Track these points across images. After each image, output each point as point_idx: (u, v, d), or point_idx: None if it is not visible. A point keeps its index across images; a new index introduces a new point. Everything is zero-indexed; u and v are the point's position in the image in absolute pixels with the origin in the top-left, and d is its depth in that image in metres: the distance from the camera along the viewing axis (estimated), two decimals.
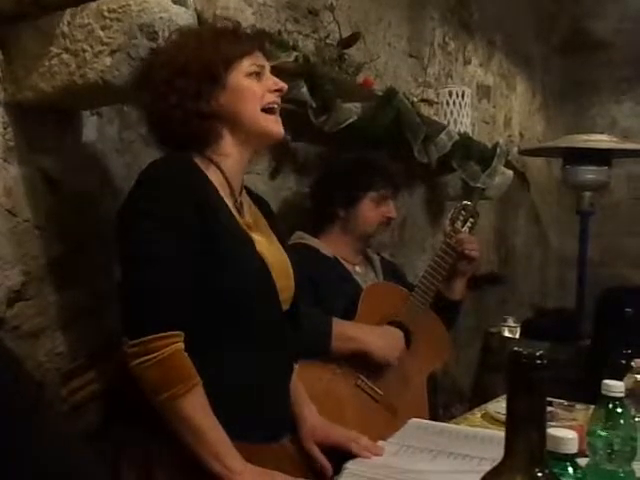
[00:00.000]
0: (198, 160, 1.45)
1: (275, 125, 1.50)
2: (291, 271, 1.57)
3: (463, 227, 2.23)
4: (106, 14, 1.39)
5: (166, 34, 1.40)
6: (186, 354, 1.31)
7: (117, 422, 1.47)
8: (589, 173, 3.78)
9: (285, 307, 1.53)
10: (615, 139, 3.87)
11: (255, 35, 1.54)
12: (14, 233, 1.56)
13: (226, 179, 1.47)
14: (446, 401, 3.51)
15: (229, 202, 1.46)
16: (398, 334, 2.03)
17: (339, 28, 2.49)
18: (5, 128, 1.54)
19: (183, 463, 1.32)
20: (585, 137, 3.80)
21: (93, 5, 1.41)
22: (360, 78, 2.52)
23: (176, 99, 1.40)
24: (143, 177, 1.40)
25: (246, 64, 1.46)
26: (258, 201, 1.65)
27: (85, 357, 1.71)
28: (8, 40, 1.52)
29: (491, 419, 1.87)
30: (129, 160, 1.84)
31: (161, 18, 1.39)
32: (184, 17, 1.45)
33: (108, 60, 1.39)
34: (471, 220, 2.25)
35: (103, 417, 1.60)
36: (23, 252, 1.59)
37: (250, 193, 1.63)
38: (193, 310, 1.35)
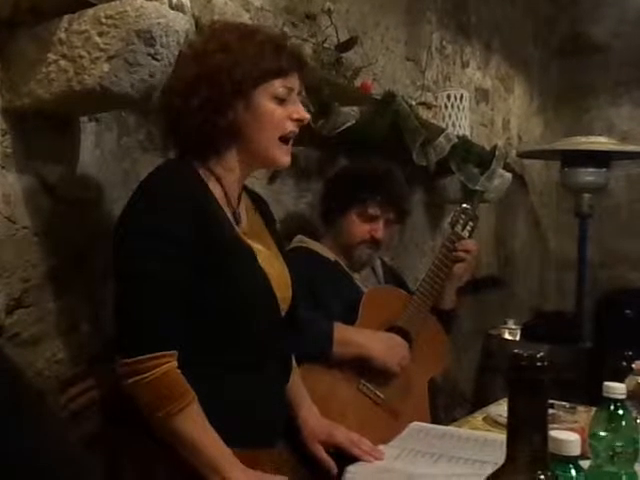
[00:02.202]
0: (199, 168, 1.44)
1: (285, 156, 1.47)
2: (289, 280, 1.56)
3: (463, 231, 2.22)
4: (103, 20, 1.39)
5: (163, 40, 1.40)
6: (179, 372, 1.31)
7: (118, 423, 1.47)
8: (588, 175, 3.78)
9: (282, 314, 1.53)
10: (613, 141, 3.87)
11: (297, 56, 1.48)
12: (13, 240, 1.56)
13: (225, 192, 1.47)
14: (447, 404, 3.51)
15: (227, 212, 1.45)
16: (401, 341, 2.03)
17: (337, 32, 2.49)
18: (3, 135, 1.54)
19: (184, 464, 1.33)
20: (583, 139, 3.80)
21: (90, 11, 1.41)
22: (358, 82, 2.52)
23: (197, 102, 1.38)
24: (141, 189, 1.40)
25: (276, 85, 1.43)
26: (257, 201, 1.64)
27: (84, 364, 1.71)
28: (5, 47, 1.51)
29: (492, 422, 1.87)
30: (127, 166, 1.84)
31: (159, 24, 1.38)
32: (181, 23, 1.45)
33: (106, 66, 1.39)
34: (470, 224, 2.24)
35: (102, 423, 1.60)
36: (22, 259, 1.58)
37: (249, 193, 1.63)
38: (192, 326, 1.35)
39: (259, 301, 1.45)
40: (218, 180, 1.46)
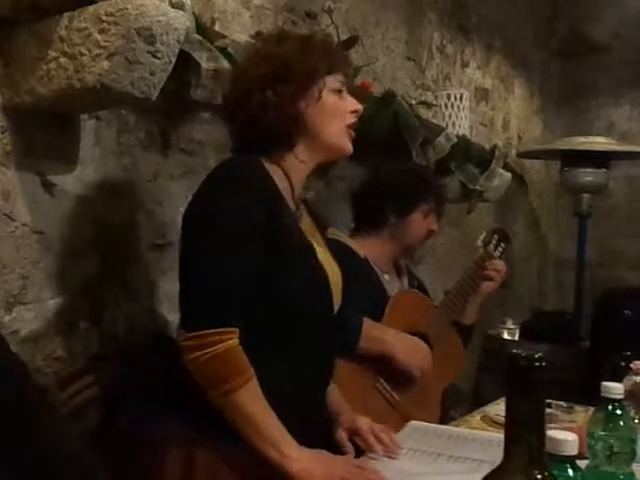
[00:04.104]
0: (266, 164, 1.47)
1: (350, 144, 1.55)
2: (340, 281, 1.59)
3: (495, 251, 2.25)
4: (103, 18, 1.39)
5: (164, 37, 1.40)
6: (241, 349, 1.34)
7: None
8: (587, 175, 3.78)
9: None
10: (613, 141, 3.87)
11: (342, 53, 1.59)
12: (13, 237, 1.56)
13: (291, 185, 1.50)
14: (445, 403, 3.50)
15: (292, 207, 1.49)
16: (425, 347, 2.04)
17: (337, 31, 2.48)
18: (3, 132, 1.54)
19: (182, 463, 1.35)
20: (583, 139, 3.80)
21: (90, 9, 1.41)
22: (358, 81, 2.52)
23: (272, 95, 1.43)
24: (218, 178, 1.43)
25: (332, 80, 1.50)
26: (306, 203, 1.67)
27: (84, 361, 1.71)
28: (5, 44, 1.52)
29: (490, 421, 1.87)
30: (127, 164, 1.84)
31: (159, 21, 1.38)
32: (182, 20, 1.45)
33: (106, 64, 1.39)
34: (502, 245, 2.27)
35: (102, 420, 1.61)
36: (22, 256, 1.58)
37: (304, 201, 1.66)
38: (254, 310, 1.39)
39: (316, 296, 1.48)
40: (286, 174, 1.49)
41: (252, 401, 1.33)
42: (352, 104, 1.54)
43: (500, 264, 2.26)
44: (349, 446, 1.58)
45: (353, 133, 1.55)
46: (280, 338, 1.44)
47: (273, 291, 1.41)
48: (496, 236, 2.26)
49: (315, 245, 1.52)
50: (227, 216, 1.36)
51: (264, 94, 1.44)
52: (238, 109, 1.48)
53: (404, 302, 2.12)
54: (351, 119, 1.53)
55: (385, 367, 1.95)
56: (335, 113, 1.50)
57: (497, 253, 2.27)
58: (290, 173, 1.50)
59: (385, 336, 1.95)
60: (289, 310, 1.43)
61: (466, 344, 2.29)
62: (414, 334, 2.06)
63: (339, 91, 1.51)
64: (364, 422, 1.60)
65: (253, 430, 1.33)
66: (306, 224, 1.57)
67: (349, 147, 1.55)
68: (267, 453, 1.32)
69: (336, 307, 1.56)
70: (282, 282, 1.42)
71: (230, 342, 1.32)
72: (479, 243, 2.29)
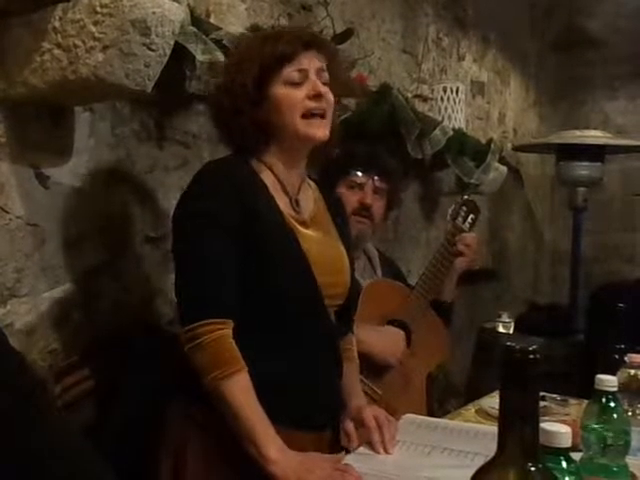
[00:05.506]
0: (254, 162, 1.53)
1: (315, 129, 1.51)
2: (343, 267, 1.61)
3: (464, 223, 2.20)
4: (98, 9, 1.38)
5: (159, 29, 1.40)
6: (232, 341, 1.38)
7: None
8: (582, 169, 3.78)
9: (335, 302, 1.59)
10: (609, 135, 3.87)
11: (301, 35, 1.53)
12: (7, 230, 1.56)
13: (278, 180, 1.54)
14: (440, 396, 3.52)
15: (282, 201, 1.52)
16: (399, 335, 2.03)
17: (333, 24, 2.48)
18: None
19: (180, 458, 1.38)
20: (579, 133, 3.80)
21: (85, 0, 1.41)
22: (354, 74, 2.52)
23: (225, 108, 1.50)
24: (195, 178, 1.50)
25: (286, 72, 1.49)
26: (327, 195, 1.70)
27: (78, 354, 1.71)
28: (0, 35, 1.51)
29: (485, 414, 1.87)
30: (122, 156, 1.84)
31: (154, 13, 1.38)
32: (177, 12, 1.45)
33: (100, 56, 1.38)
34: (472, 216, 2.20)
35: (97, 413, 1.61)
36: (16, 249, 1.58)
37: (320, 186, 1.69)
38: (241, 301, 1.43)
39: (293, 281, 1.49)
40: (270, 169, 1.54)
41: (237, 393, 1.35)
42: (309, 89, 1.49)
43: (470, 237, 2.18)
44: (355, 440, 1.58)
45: (312, 120, 1.50)
46: (266, 326, 1.47)
47: (253, 278, 1.45)
48: (464, 208, 2.19)
49: (312, 232, 1.55)
50: (200, 220, 1.43)
51: (221, 105, 1.52)
52: (213, 117, 1.59)
53: (376, 292, 2.09)
54: (309, 105, 1.49)
55: (362, 363, 1.94)
56: (284, 105, 1.49)
57: (467, 225, 2.19)
58: (274, 168, 1.54)
59: (358, 335, 1.93)
60: (273, 299, 1.47)
61: (448, 322, 2.27)
62: (391, 322, 2.05)
63: (297, 82, 1.49)
64: (370, 415, 1.58)
65: (235, 423, 1.35)
66: (312, 214, 1.58)
67: (313, 133, 1.50)
68: (247, 448, 1.34)
69: (332, 292, 1.56)
70: (258, 273, 1.45)
71: (218, 332, 1.36)
72: (448, 218, 2.24)
